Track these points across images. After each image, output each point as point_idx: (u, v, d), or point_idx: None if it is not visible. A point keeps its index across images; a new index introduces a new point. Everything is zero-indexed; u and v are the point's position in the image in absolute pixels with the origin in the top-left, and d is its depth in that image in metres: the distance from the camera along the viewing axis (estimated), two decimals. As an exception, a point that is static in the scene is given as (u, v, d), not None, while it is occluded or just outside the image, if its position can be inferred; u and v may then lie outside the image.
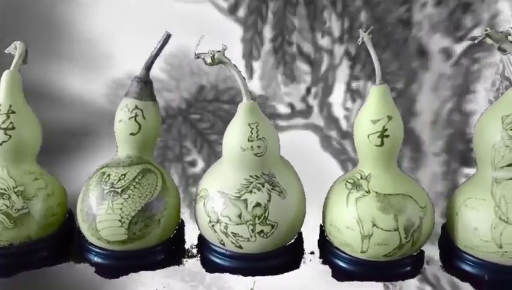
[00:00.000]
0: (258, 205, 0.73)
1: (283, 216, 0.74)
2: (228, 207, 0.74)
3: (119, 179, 0.75)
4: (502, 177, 0.74)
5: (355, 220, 0.73)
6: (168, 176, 0.80)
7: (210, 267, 0.79)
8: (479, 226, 0.74)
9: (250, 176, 0.74)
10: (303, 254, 0.83)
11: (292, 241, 0.80)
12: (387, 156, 0.75)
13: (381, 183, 0.75)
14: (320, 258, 0.82)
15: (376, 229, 0.73)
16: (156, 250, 0.78)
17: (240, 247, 0.75)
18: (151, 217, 0.74)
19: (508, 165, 0.73)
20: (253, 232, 0.74)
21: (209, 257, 0.79)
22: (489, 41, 0.75)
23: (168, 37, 0.78)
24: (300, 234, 0.83)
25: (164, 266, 0.79)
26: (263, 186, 0.74)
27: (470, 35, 0.88)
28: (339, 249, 0.78)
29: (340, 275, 0.78)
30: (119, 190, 0.74)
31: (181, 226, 0.84)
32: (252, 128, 0.73)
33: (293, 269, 0.80)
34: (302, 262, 0.82)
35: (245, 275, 0.77)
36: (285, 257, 0.79)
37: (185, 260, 0.81)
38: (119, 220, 0.73)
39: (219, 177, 0.76)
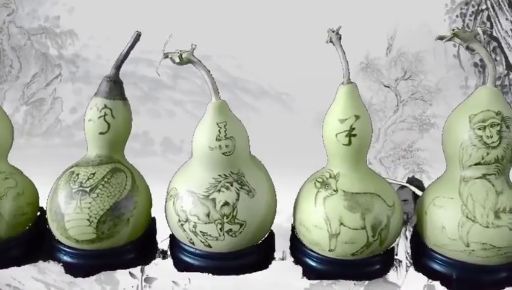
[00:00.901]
0: (226, 204, 0.73)
1: (252, 215, 0.75)
2: (197, 206, 0.74)
3: (88, 178, 0.75)
4: (470, 176, 0.74)
5: (323, 219, 0.74)
6: (139, 175, 0.80)
7: (181, 266, 0.79)
8: (447, 225, 0.74)
9: (219, 175, 0.74)
10: (274, 252, 0.83)
11: (263, 240, 0.80)
12: (355, 155, 0.75)
13: (350, 182, 0.75)
14: (291, 256, 0.82)
15: (343, 227, 0.73)
16: (126, 249, 0.78)
17: (209, 246, 0.75)
18: (119, 217, 0.74)
19: (475, 164, 0.74)
20: (221, 231, 0.74)
21: (180, 256, 0.79)
22: (457, 40, 0.75)
23: (138, 36, 0.78)
24: (271, 232, 0.83)
25: (135, 265, 0.79)
26: (232, 185, 0.74)
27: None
28: (308, 248, 0.78)
29: (310, 273, 0.78)
30: (87, 189, 0.74)
31: (152, 224, 0.84)
32: (220, 128, 0.73)
33: (264, 268, 0.80)
34: (273, 261, 0.82)
35: (215, 274, 0.78)
36: (255, 255, 0.79)
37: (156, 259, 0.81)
38: (88, 219, 0.73)
39: (188, 177, 0.76)
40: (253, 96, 1.30)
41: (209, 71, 0.74)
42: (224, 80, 1.32)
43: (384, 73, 1.26)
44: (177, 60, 0.73)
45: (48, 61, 1.29)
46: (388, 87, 1.26)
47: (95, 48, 1.29)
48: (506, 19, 1.27)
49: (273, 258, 0.83)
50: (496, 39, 1.27)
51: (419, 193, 0.98)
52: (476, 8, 1.28)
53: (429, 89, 1.26)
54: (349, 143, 0.74)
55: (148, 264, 0.81)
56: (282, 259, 0.83)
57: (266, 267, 0.81)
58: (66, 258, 0.77)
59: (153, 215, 0.83)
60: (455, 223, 0.73)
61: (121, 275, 0.77)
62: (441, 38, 0.76)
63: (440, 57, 1.27)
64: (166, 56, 0.74)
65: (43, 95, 1.27)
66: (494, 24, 1.28)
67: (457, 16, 1.27)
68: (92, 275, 0.77)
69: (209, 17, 1.25)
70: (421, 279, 0.77)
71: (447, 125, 0.77)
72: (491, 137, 0.72)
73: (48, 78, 1.28)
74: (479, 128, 0.73)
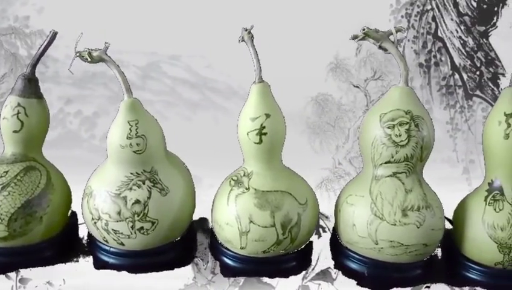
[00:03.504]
0: (137, 202, 0.74)
1: (164, 213, 0.75)
2: (108, 204, 0.74)
3: (1, 176, 0.75)
4: (381, 175, 0.75)
5: (234, 216, 0.74)
6: (57, 173, 0.80)
7: (98, 264, 0.79)
8: (357, 223, 0.74)
9: (131, 173, 0.74)
10: (194, 250, 0.84)
11: (182, 237, 0.80)
12: (267, 153, 0.75)
13: (262, 180, 0.75)
14: (211, 255, 0.82)
15: (253, 225, 0.73)
16: (41, 247, 0.78)
17: (122, 244, 0.75)
18: (32, 214, 0.75)
19: (386, 163, 0.74)
20: (133, 229, 0.74)
21: (97, 254, 0.79)
22: (370, 40, 0.76)
23: (53, 35, 0.78)
24: (193, 229, 0.83)
25: (52, 263, 0.79)
26: (144, 183, 0.74)
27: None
28: (223, 246, 0.78)
29: (226, 271, 0.79)
30: (-1, 187, 0.74)
31: (73, 222, 0.84)
32: (131, 126, 0.73)
33: (181, 266, 0.81)
34: (193, 259, 0.82)
35: (131, 272, 0.78)
36: (171, 253, 0.79)
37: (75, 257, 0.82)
38: (-2, 217, 0.73)
39: (102, 175, 0.76)
40: (223, 96, 1.30)
41: (120, 69, 0.75)
42: (193, 80, 1.32)
43: (354, 73, 1.26)
44: (89, 59, 0.74)
45: (18, 62, 1.29)
46: (358, 87, 1.26)
47: (65, 48, 1.28)
48: (451, 19, 1.28)
49: (195, 256, 0.83)
50: (441, 39, 1.28)
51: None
52: (421, 8, 1.28)
53: (399, 90, 1.26)
54: (260, 141, 0.74)
55: (68, 261, 0.81)
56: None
57: (184, 264, 0.81)
58: (-19, 255, 0.78)
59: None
60: (364, 221, 0.74)
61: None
62: (354, 37, 0.76)
63: (409, 58, 1.27)
64: (77, 55, 0.74)
65: (12, 96, 1.27)
66: (439, 24, 1.29)
67: (402, 16, 1.28)
68: (9, 272, 0.78)
69: (179, 18, 1.25)
70: (296, 280, 0.78)
71: (362, 124, 0.78)
72: (400, 136, 0.73)
73: (17, 79, 1.28)
74: (388, 127, 0.73)
